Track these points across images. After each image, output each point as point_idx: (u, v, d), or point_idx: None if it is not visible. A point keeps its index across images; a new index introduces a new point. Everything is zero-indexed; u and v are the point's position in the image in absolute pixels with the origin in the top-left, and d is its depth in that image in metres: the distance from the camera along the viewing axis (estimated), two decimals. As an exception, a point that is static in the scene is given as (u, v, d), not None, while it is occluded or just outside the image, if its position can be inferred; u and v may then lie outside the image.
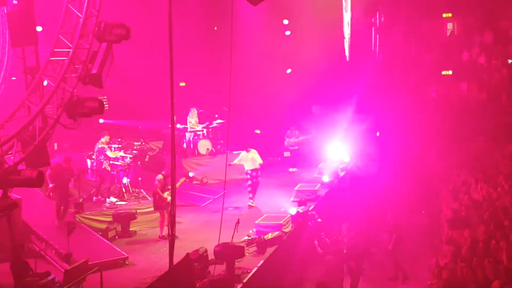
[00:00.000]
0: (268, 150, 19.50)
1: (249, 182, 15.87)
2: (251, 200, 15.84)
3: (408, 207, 16.67)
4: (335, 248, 12.28)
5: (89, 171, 15.98)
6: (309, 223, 13.77)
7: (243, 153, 16.04)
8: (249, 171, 15.85)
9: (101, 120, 19.41)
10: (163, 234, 13.15)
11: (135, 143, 18.45)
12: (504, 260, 10.47)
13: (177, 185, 13.31)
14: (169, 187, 13.01)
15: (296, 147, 19.89)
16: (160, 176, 13.48)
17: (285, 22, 23.28)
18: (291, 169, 19.54)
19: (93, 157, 15.50)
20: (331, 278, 11.64)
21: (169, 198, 13.18)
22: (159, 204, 13.40)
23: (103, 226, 13.75)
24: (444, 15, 24.24)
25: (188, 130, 18.91)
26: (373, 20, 24.22)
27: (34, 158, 9.17)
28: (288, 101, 21.45)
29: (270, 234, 12.72)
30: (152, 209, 14.25)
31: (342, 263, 12.24)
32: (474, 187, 15.79)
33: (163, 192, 13.30)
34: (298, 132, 20.00)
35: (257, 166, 15.94)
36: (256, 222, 13.35)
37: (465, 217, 13.52)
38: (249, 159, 15.88)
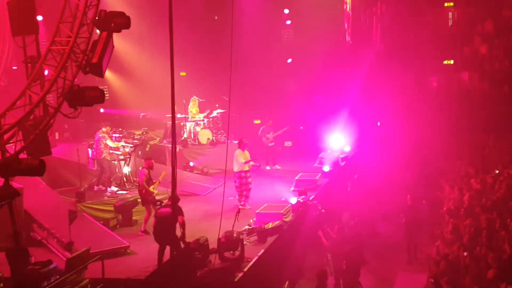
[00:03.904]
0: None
1: (241, 188, 14.35)
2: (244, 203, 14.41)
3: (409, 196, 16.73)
4: (351, 235, 12.33)
5: (89, 160, 16.00)
6: (315, 214, 13.79)
7: (240, 151, 14.41)
8: (243, 173, 14.31)
9: (101, 110, 19.42)
10: (145, 228, 12.99)
11: (136, 132, 18.47)
12: (507, 249, 10.52)
13: (160, 178, 13.37)
14: (154, 180, 13.13)
15: (273, 143, 18.52)
16: (144, 169, 13.20)
17: (286, 11, 23.22)
18: (267, 167, 18.14)
19: (94, 146, 15.52)
20: (349, 266, 11.73)
21: (155, 192, 13.16)
22: (146, 199, 13.04)
23: (105, 215, 13.79)
24: (446, 4, 24.17)
25: (189, 119, 18.92)
26: (374, 10, 24.15)
27: (35, 147, 9.18)
28: (288, 91, 21.45)
29: (270, 223, 12.75)
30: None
31: (361, 250, 12.31)
32: (475, 177, 15.83)
33: (148, 185, 13.02)
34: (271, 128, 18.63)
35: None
36: (257, 211, 13.38)
37: (466, 207, 13.58)
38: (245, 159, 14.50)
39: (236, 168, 14.33)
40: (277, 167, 18.48)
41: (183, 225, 10.83)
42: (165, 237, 10.75)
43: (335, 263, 12.25)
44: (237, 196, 14.53)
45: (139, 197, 14.15)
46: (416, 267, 13.79)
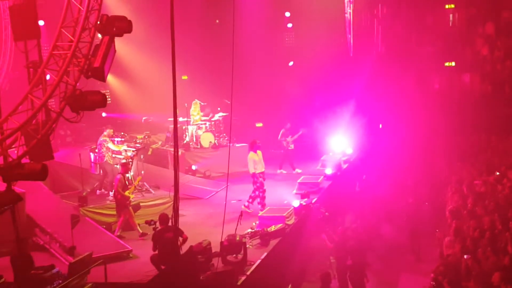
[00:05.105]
0: (271, 142, 19.48)
1: (262, 188, 14.42)
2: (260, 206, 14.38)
3: (412, 199, 16.70)
4: (354, 237, 12.34)
5: (92, 164, 16.01)
6: (319, 217, 13.77)
7: (252, 154, 14.57)
8: (260, 174, 14.46)
9: (103, 114, 19.44)
10: (141, 231, 13.10)
11: (138, 136, 18.48)
12: (509, 251, 10.50)
13: (136, 183, 13.75)
14: (130, 186, 13.43)
15: (292, 147, 18.56)
16: (119, 176, 13.37)
17: (287, 14, 23.25)
18: (281, 171, 18.25)
19: (96, 150, 15.53)
20: (353, 262, 11.71)
21: (131, 196, 13.34)
22: (122, 203, 13.20)
23: (107, 219, 13.80)
24: (447, 6, 24.18)
25: (191, 123, 18.92)
26: (375, 12, 24.16)
27: (38, 152, 9.19)
28: (290, 94, 21.46)
29: (273, 226, 12.73)
30: (156, 201, 14.34)
31: (364, 252, 12.29)
32: (478, 179, 15.81)
33: (124, 191, 13.16)
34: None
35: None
36: (259, 214, 13.37)
37: (469, 209, 13.57)
38: (259, 160, 14.54)
39: (251, 170, 14.43)
40: (283, 171, 18.44)
41: (184, 241, 10.82)
42: (171, 259, 10.63)
43: (339, 265, 12.22)
44: (258, 197, 14.40)
45: (141, 201, 14.22)
46: (420, 269, 13.76)
